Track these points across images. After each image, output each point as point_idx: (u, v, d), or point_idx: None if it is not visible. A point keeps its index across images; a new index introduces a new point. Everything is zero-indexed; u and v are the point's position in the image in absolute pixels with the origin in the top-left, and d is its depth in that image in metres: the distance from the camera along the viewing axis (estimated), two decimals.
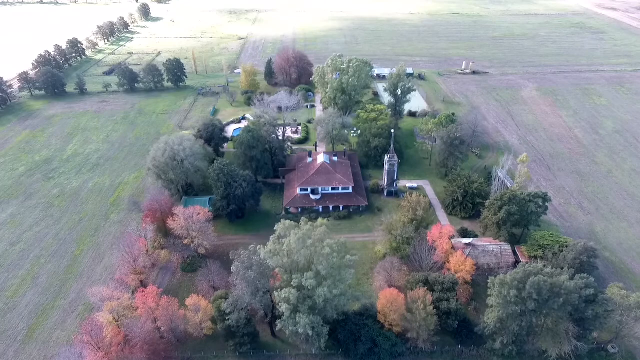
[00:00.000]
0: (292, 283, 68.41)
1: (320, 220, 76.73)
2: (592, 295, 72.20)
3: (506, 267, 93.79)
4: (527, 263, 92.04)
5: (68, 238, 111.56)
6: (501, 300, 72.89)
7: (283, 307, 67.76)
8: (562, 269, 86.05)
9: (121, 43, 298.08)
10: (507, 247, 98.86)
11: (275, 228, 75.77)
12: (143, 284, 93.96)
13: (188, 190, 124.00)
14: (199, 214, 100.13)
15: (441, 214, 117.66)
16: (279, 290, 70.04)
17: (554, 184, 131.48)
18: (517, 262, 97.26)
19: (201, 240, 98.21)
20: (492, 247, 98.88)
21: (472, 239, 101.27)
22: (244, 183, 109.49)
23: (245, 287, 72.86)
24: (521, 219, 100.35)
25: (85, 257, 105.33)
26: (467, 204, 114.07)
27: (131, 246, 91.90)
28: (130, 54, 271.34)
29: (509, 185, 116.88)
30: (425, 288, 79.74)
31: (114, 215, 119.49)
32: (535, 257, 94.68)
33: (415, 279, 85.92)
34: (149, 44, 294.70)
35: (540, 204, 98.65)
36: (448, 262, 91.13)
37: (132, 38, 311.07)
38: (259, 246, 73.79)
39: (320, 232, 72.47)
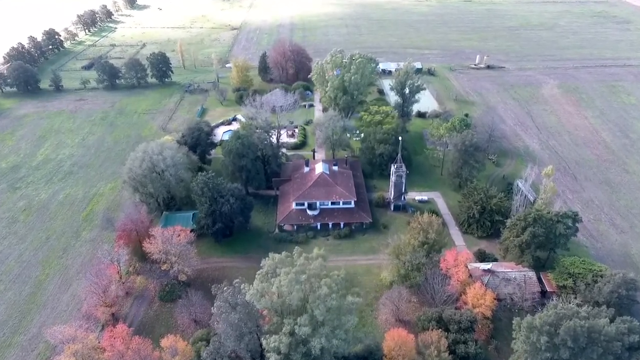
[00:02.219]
0: (283, 330, 61.21)
1: (316, 250, 69.44)
2: (637, 342, 65.02)
3: (531, 298, 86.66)
4: (556, 296, 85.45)
5: (32, 260, 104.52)
6: (529, 347, 65.81)
7: (272, 359, 60.64)
8: (597, 303, 79.46)
9: (103, 34, 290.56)
10: (532, 275, 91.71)
11: (262, 264, 68.48)
12: (115, 317, 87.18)
13: (170, 204, 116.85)
14: (179, 235, 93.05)
15: (455, 233, 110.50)
16: (267, 336, 62.87)
17: (581, 197, 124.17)
18: (543, 292, 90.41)
19: (182, 265, 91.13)
20: (515, 274, 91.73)
21: (491, 264, 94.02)
22: (231, 198, 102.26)
23: (229, 331, 65.75)
24: (547, 241, 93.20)
25: (51, 282, 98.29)
26: (485, 222, 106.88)
27: (100, 274, 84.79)
28: (113, 45, 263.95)
29: (530, 198, 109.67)
30: (440, 330, 72.57)
31: (85, 233, 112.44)
32: (564, 287, 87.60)
33: (427, 316, 78.84)
34: (134, 34, 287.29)
35: (570, 224, 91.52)
36: (464, 294, 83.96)
37: (116, 28, 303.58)
38: (243, 285, 66.51)
39: (317, 266, 65.22)
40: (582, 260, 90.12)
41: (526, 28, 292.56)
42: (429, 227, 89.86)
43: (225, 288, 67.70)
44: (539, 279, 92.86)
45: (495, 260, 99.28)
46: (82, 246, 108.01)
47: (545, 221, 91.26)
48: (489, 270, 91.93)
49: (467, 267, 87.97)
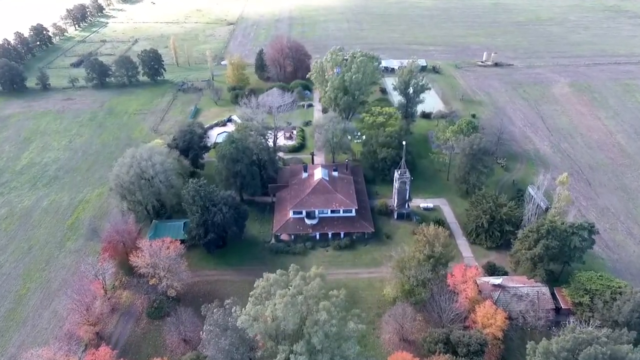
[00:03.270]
0: (277, 357, 57.86)
1: (313, 269, 66.11)
2: None
3: (545, 316, 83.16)
4: (571, 314, 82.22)
5: (13, 272, 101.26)
6: None
7: None
8: (616, 323, 76.22)
9: (94, 29, 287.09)
10: (545, 290, 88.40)
11: (255, 284, 65.07)
12: (99, 336, 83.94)
13: (160, 211, 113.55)
14: (168, 247, 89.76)
15: (462, 243, 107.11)
16: None
17: (596, 204, 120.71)
18: (557, 309, 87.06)
19: (171, 280, 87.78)
20: (527, 289, 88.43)
21: (501, 278, 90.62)
22: (224, 207, 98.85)
23: (219, 357, 62.42)
24: (561, 254, 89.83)
25: (32, 297, 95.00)
26: (494, 232, 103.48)
27: (83, 291, 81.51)
28: (103, 41, 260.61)
29: (542, 206, 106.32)
30: (447, 355, 69.22)
31: (70, 243, 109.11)
32: (580, 304, 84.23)
33: (433, 337, 75.52)
34: (125, 29, 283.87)
35: (586, 236, 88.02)
36: (474, 312, 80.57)
37: (107, 23, 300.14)
38: (234, 308, 63.11)
39: (314, 286, 61.80)
40: (600, 276, 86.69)
41: (535, 23, 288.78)
42: (435, 240, 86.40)
43: (215, 310, 64.31)
44: (553, 295, 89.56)
45: (506, 273, 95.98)
46: (66, 257, 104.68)
47: (560, 233, 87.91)
48: (499, 286, 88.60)
49: (476, 283, 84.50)
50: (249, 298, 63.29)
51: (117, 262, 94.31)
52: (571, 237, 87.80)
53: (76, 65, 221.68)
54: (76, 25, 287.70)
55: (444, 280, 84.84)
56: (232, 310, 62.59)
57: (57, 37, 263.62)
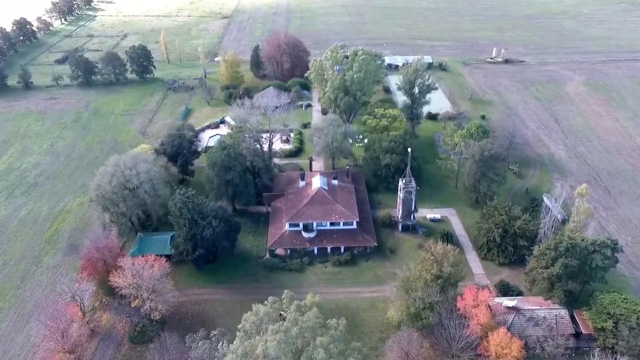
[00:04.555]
0: None
1: (309, 297, 61.66)
2: None
3: (564, 342, 78.69)
4: (594, 341, 77.90)
5: None
6: None
7: None
8: None
9: (81, 23, 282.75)
10: (564, 314, 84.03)
11: (244, 317, 60.64)
12: None
13: (146, 223, 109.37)
14: (152, 266, 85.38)
15: (473, 258, 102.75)
16: None
17: (616, 215, 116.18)
18: (577, 334, 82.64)
19: (155, 302, 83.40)
20: (544, 312, 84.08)
21: (515, 300, 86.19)
22: (214, 220, 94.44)
23: None
24: (581, 272, 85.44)
25: (5, 319, 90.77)
26: (507, 247, 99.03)
27: (58, 316, 77.13)
28: (91, 36, 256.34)
29: (558, 217, 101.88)
30: None
31: (48, 258, 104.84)
32: (603, 330, 79.78)
33: None
34: (114, 23, 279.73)
35: (608, 255, 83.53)
36: (486, 340, 76.17)
37: (95, 17, 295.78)
38: (221, 343, 58.70)
39: (311, 318, 57.37)
40: (624, 298, 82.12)
41: (547, 16, 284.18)
42: (443, 259, 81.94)
43: (200, 344, 59.93)
44: (572, 318, 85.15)
45: (520, 293, 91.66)
46: (43, 274, 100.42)
47: (580, 251, 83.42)
48: (513, 308, 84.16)
49: (489, 307, 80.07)
50: (237, 332, 58.82)
51: (97, 280, 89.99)
52: (592, 255, 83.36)
53: (61, 61, 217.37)
54: (62, 19, 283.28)
55: (454, 303, 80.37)
56: (219, 345, 58.08)
57: (42, 32, 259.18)
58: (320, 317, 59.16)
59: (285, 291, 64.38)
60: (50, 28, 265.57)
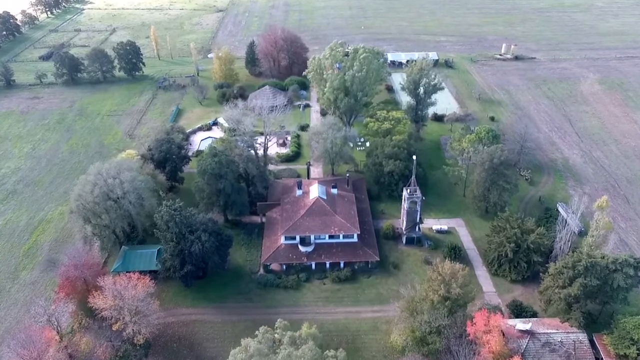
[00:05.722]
0: None
1: (305, 328, 57.78)
2: None
3: None
4: None
5: None
6: None
7: None
8: None
9: (67, 16, 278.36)
10: (583, 338, 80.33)
11: (232, 353, 56.77)
12: None
13: (131, 235, 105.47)
14: (135, 285, 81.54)
15: (482, 274, 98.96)
16: None
17: (636, 226, 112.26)
18: None
19: (138, 325, 79.55)
20: (560, 336, 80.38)
21: (530, 322, 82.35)
22: (203, 235, 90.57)
23: None
24: (601, 292, 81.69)
25: None
26: (520, 262, 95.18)
27: (31, 343, 73.21)
28: (78, 31, 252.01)
29: (575, 230, 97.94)
30: None
31: (25, 273, 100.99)
32: (626, 357, 76.12)
33: None
34: (103, 17, 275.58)
35: (631, 274, 79.64)
36: None
37: (83, 10, 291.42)
38: None
39: (306, 353, 53.50)
40: None
41: (558, 10, 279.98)
42: (451, 279, 78.06)
43: None
44: (591, 342, 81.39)
45: (535, 314, 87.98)
46: (19, 292, 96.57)
47: (600, 270, 79.56)
48: (528, 332, 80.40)
49: (502, 333, 76.20)
50: None
51: (76, 300, 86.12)
52: (613, 274, 79.57)
53: (46, 58, 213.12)
54: (48, 12, 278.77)
55: (463, 328, 76.54)
56: None
57: (27, 26, 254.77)
58: (317, 351, 55.14)
59: (279, 320, 60.73)
60: (35, 22, 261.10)
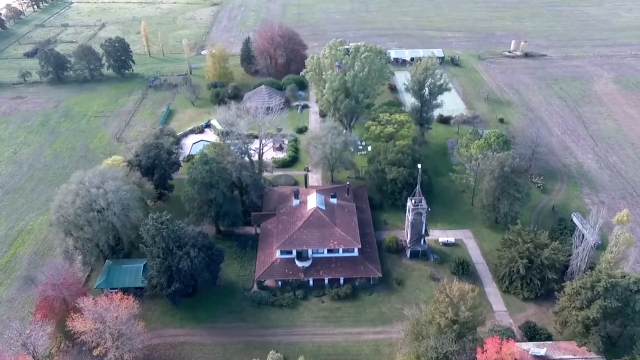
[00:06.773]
0: None
1: None
2: None
3: None
4: None
5: None
6: None
7: None
8: None
9: (55, 10, 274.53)
10: None
11: None
12: None
13: (116, 247, 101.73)
14: (118, 305, 77.88)
15: (492, 292, 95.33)
16: None
17: None
18: None
19: (121, 350, 75.94)
20: None
21: (545, 347, 78.73)
22: (192, 250, 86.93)
23: None
24: (621, 314, 78.04)
25: None
26: (533, 279, 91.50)
27: None
28: (65, 26, 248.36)
29: (590, 241, 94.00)
30: None
31: (2, 290, 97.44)
32: None
33: None
34: (92, 11, 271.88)
35: None
36: None
37: (71, 3, 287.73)
38: None
39: None
40: None
41: (569, 3, 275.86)
42: (460, 302, 74.36)
43: None
44: None
45: (550, 336, 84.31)
46: None
47: (621, 291, 75.88)
48: (543, 357, 76.80)
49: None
50: None
51: (55, 322, 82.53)
52: (635, 296, 75.91)
53: (31, 55, 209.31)
54: (34, 6, 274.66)
55: (473, 355, 72.89)
56: None
57: (12, 21, 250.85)
58: None
59: (271, 352, 56.94)
60: (20, 17, 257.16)
